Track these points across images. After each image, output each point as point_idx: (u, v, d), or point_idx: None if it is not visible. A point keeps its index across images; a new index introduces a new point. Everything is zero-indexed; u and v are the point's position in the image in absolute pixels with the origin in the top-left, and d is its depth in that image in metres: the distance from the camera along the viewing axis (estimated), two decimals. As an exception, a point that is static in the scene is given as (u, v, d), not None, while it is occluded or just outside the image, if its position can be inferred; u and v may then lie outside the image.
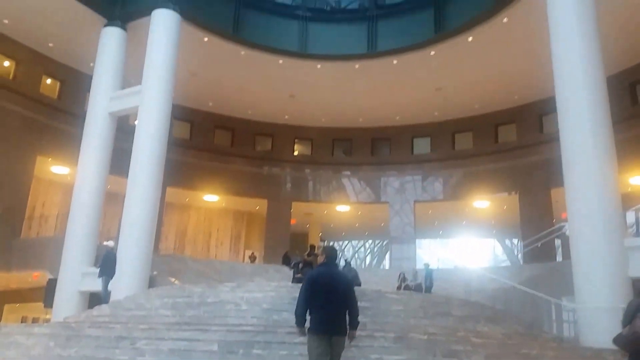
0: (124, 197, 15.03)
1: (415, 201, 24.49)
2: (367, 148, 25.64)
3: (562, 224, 11.67)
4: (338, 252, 5.84)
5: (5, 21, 17.89)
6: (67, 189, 18.49)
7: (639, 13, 15.20)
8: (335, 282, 4.81)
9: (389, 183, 25.18)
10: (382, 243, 37.97)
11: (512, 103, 22.00)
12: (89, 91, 17.41)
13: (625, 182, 17.40)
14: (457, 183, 23.94)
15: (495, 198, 23.44)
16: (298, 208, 25.64)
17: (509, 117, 22.66)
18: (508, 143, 22.70)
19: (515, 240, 32.93)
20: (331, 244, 34.61)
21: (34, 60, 19.46)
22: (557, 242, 19.59)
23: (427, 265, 17.06)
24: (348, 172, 25.78)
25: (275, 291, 9.84)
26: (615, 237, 10.37)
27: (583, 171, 10.85)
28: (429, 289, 15.89)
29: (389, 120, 24.50)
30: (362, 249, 40.55)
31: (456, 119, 23.70)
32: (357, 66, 20.18)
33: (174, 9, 16.52)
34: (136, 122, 16.13)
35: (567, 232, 11.65)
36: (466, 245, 35.13)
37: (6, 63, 19.09)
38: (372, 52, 19.66)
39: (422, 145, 24.96)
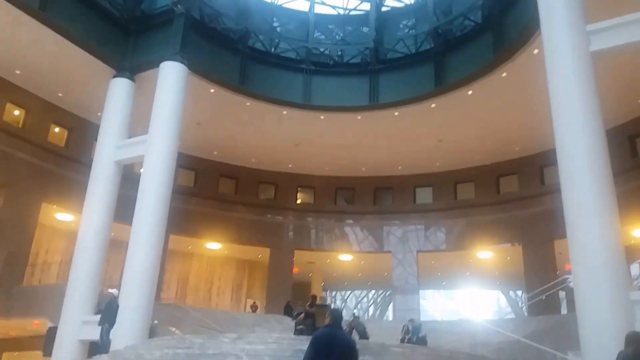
0: (127, 244, 15.06)
1: (418, 251, 24.38)
2: (370, 197, 25.77)
3: (566, 276, 11.59)
4: (343, 314, 6.16)
5: (17, 72, 18.45)
6: (71, 236, 18.53)
7: (635, 69, 15.59)
8: (336, 342, 5.07)
9: (391, 232, 25.15)
10: (386, 293, 37.50)
11: (513, 154, 22.25)
12: (96, 140, 17.73)
13: (628, 235, 17.38)
14: (460, 233, 23.90)
15: (498, 249, 23.34)
16: (300, 257, 25.53)
17: (510, 168, 22.86)
18: (510, 194, 22.81)
19: (519, 292, 32.51)
20: (334, 295, 34.30)
21: (43, 109, 19.91)
22: (562, 293, 19.38)
23: (412, 321, 16.44)
24: (351, 221, 25.79)
25: (277, 343, 9.72)
26: (620, 290, 10.26)
27: (585, 223, 10.86)
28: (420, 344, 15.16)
29: (391, 170, 24.74)
30: (365, 299, 40.00)
31: (458, 170, 23.92)
32: (359, 117, 20.59)
33: (182, 62, 17.04)
34: (142, 171, 16.35)
35: (572, 285, 11.55)
36: (470, 296, 34.66)
37: (16, 112, 19.53)
38: (374, 104, 20.09)
39: (424, 195, 25.09)
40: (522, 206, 21.85)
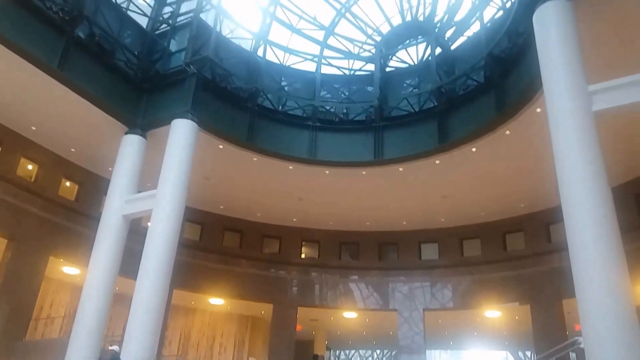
0: (131, 298, 14.94)
1: (424, 309, 24.00)
2: (375, 252, 25.65)
3: (577, 337, 11.35)
4: None
5: (33, 128, 18.93)
6: (76, 289, 18.46)
7: (638, 127, 15.87)
8: None
9: (397, 289, 24.85)
10: (391, 353, 36.53)
11: (518, 211, 22.31)
12: (106, 194, 17.93)
13: (638, 294, 17.12)
14: (466, 291, 23.60)
15: (506, 308, 22.95)
16: (304, 313, 25.15)
17: (516, 225, 22.85)
18: (516, 251, 22.68)
19: (528, 353, 31.65)
20: (338, 354, 33.50)
21: (55, 164, 20.29)
22: (572, 355, 18.87)
23: None
24: (355, 277, 25.56)
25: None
26: (633, 351, 10.05)
27: (594, 283, 10.75)
28: None
29: (396, 225, 24.75)
30: (371, 358, 38.93)
31: (463, 226, 23.92)
32: (364, 172, 20.81)
33: (193, 119, 17.49)
34: (149, 224, 16.44)
35: (582, 346, 11.29)
36: (479, 356, 33.73)
37: (29, 166, 19.90)
38: (378, 159, 20.36)
39: (430, 251, 24.97)
40: (529, 264, 21.68)
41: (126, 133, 18.18)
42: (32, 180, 19.78)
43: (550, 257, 20.58)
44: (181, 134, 17.20)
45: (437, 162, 19.42)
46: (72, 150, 20.24)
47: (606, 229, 11.11)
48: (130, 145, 18.01)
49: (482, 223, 23.46)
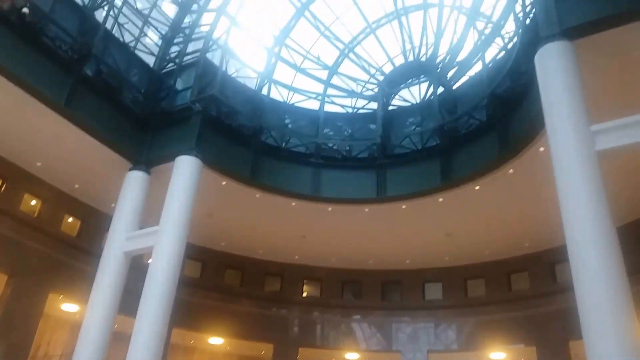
0: (130, 337, 14.66)
1: (429, 351, 23.44)
2: (378, 291, 25.27)
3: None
4: None
5: (38, 164, 19.04)
6: (74, 327, 18.14)
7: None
8: None
9: (400, 329, 24.36)
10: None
11: (523, 250, 22.06)
12: (107, 230, 17.86)
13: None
14: (471, 332, 23.10)
15: (511, 349, 22.41)
16: (305, 355, 24.59)
17: (521, 264, 22.55)
18: (521, 291, 22.31)
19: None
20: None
21: (58, 200, 20.29)
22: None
23: None
24: (358, 316, 25.11)
25: None
26: (643, 396, 9.76)
27: (601, 325, 10.53)
28: None
29: (399, 264, 24.46)
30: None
31: (467, 265, 23.62)
32: (366, 209, 20.73)
33: (197, 156, 17.57)
34: (149, 261, 16.30)
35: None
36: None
37: (33, 202, 19.91)
38: (381, 196, 20.31)
39: (433, 291, 24.59)
40: (535, 305, 21.27)
41: (130, 169, 18.25)
42: (35, 215, 19.75)
43: (556, 298, 20.20)
44: (185, 170, 17.26)
45: (441, 200, 19.35)
46: (76, 186, 20.28)
47: (612, 270, 10.95)
48: (134, 182, 18.05)
49: (486, 262, 23.17)
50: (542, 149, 14.87)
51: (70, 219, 21.00)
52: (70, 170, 19.33)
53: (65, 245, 20.02)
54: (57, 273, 19.28)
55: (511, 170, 16.93)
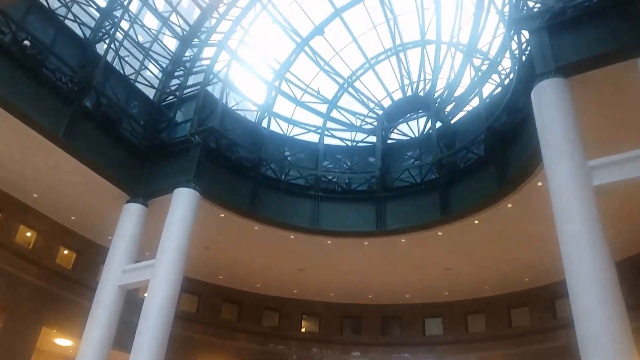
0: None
1: (429, 387, 22.96)
2: (377, 327, 24.88)
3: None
4: None
5: (35, 195, 18.99)
6: (66, 363, 17.79)
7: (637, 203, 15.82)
8: None
9: (400, 366, 23.87)
10: None
11: (523, 285, 21.81)
12: (103, 263, 17.68)
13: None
14: (472, 369, 22.64)
15: (513, 386, 21.92)
16: (303, 392, 24.06)
17: (521, 299, 22.26)
18: (522, 327, 21.95)
19: None
20: None
21: (54, 232, 20.20)
22: None
23: None
24: (357, 353, 24.62)
25: None
26: None
27: (602, 362, 10.33)
28: None
29: (399, 298, 24.16)
30: None
31: (468, 300, 23.33)
32: (366, 243, 20.60)
33: (195, 188, 17.53)
34: (145, 295, 16.08)
35: None
36: None
37: (28, 234, 19.79)
38: (381, 230, 20.19)
39: (434, 326, 24.19)
40: (535, 341, 20.89)
41: (128, 202, 18.19)
42: (30, 247, 19.61)
43: (556, 334, 19.86)
44: (183, 202, 17.20)
45: (440, 233, 19.25)
46: (73, 218, 20.19)
47: (612, 306, 10.80)
48: (131, 214, 17.96)
49: (486, 297, 22.89)
50: (540, 183, 14.86)
51: (66, 251, 20.86)
52: (67, 201, 19.27)
53: (60, 278, 19.81)
54: (51, 306, 19.02)
55: (510, 205, 16.89)
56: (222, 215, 19.20)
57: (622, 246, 16.83)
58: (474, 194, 17.86)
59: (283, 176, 21.73)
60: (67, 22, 17.85)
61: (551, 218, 12.59)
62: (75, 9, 18.62)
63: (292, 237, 20.51)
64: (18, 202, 19.06)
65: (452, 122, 21.12)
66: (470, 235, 19.05)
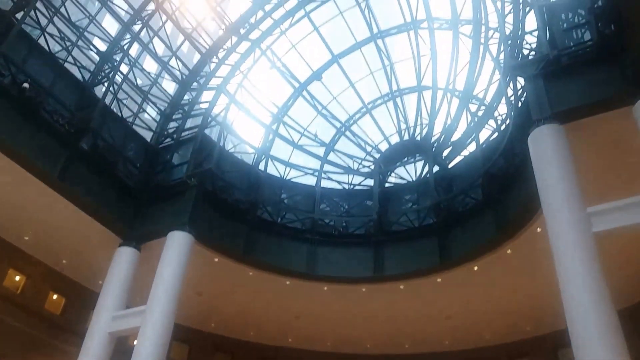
0: None
1: None
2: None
3: None
4: None
5: (26, 238, 18.68)
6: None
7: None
8: None
9: (400, 420, 22.90)
10: None
11: (525, 334, 21.20)
12: (93, 309, 17.19)
13: None
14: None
15: None
16: None
17: (523, 349, 21.58)
18: (526, 378, 21.27)
19: None
20: None
21: (44, 276, 19.76)
22: None
23: None
24: (355, 405, 23.70)
25: None
26: None
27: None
28: None
29: (398, 348, 23.38)
30: None
31: (468, 350, 22.57)
32: (364, 289, 20.17)
33: (189, 232, 17.25)
34: (135, 343, 15.55)
35: None
36: None
37: (17, 277, 19.34)
38: (379, 275, 19.79)
39: (434, 377, 23.38)
40: (540, 394, 20.22)
41: (120, 245, 17.84)
42: (19, 292, 19.12)
43: (560, 385, 19.23)
44: (176, 247, 16.88)
45: (439, 280, 18.88)
46: (64, 261, 19.81)
47: (616, 356, 10.44)
48: (123, 258, 17.58)
49: (487, 347, 22.20)
50: (539, 229, 14.67)
51: (55, 296, 20.32)
52: (59, 244, 18.94)
53: (48, 324, 19.24)
54: (38, 354, 18.37)
55: (509, 251, 16.64)
56: (216, 260, 18.86)
57: (626, 293, 16.45)
58: (473, 239, 17.63)
59: (279, 219, 21.49)
60: (66, 64, 18.01)
61: (552, 265, 12.36)
62: (76, 52, 18.84)
63: (287, 282, 20.10)
64: (8, 244, 18.72)
65: (450, 166, 21.09)
66: (470, 282, 18.69)
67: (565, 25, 14.50)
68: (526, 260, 16.67)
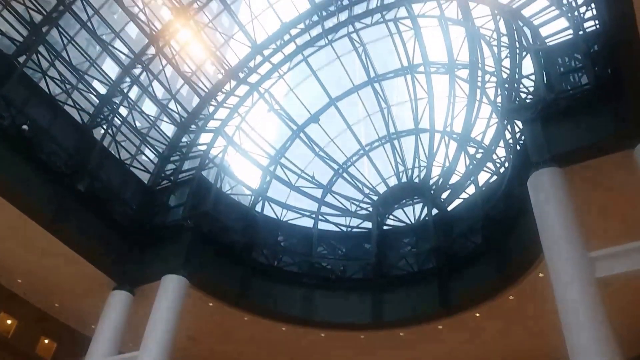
0: None
1: None
2: None
3: None
4: None
5: (19, 280, 18.28)
6: None
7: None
8: None
9: None
10: None
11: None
12: (84, 354, 16.63)
13: None
14: None
15: None
16: None
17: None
18: None
19: None
20: None
21: (36, 319, 19.28)
22: None
23: None
24: None
25: None
26: None
27: None
28: None
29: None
30: None
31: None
32: (362, 336, 19.62)
33: (184, 275, 16.91)
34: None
35: None
36: None
37: (8, 321, 18.85)
38: (377, 321, 19.30)
39: None
40: None
41: (114, 289, 17.43)
42: (9, 336, 18.60)
43: None
44: (171, 291, 16.52)
45: (440, 327, 18.38)
46: (56, 305, 19.35)
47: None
48: (117, 302, 17.16)
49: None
50: (541, 274, 14.37)
51: (47, 340, 19.78)
52: (52, 287, 18.52)
53: (38, 370, 18.63)
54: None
55: (511, 297, 16.27)
56: (211, 304, 18.41)
57: (634, 341, 16.00)
58: (474, 285, 17.28)
59: (276, 262, 21.18)
60: (66, 107, 18.09)
61: (555, 311, 12.06)
62: (75, 94, 18.96)
63: (283, 328, 19.59)
64: (1, 287, 18.30)
65: (449, 209, 20.95)
66: (472, 329, 18.20)
67: (562, 69, 14.67)
68: (530, 305, 16.29)
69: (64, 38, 18.60)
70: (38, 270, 17.77)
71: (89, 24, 19.19)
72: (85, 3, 18.92)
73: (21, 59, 16.87)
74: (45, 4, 18.79)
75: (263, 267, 20.47)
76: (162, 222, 19.41)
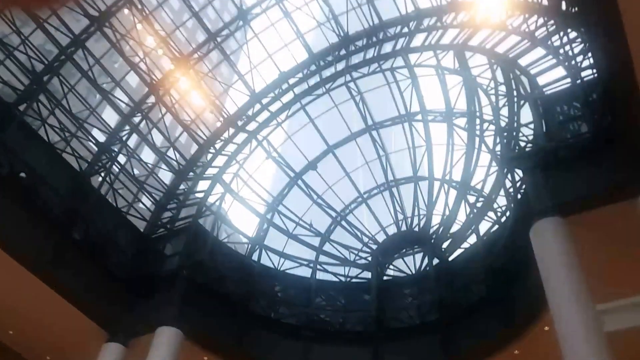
0: None
1: None
2: None
3: None
4: None
5: (11, 332, 17.65)
6: None
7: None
8: None
9: None
10: None
11: None
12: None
13: None
14: None
15: None
16: None
17: None
18: None
19: None
20: None
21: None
22: None
23: None
24: None
25: None
26: None
27: None
28: None
29: None
30: None
31: None
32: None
33: (179, 327, 16.37)
34: None
35: None
36: None
37: (-4, 375, 18.12)
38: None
39: None
40: None
41: (107, 341, 16.83)
42: (-5, 392, 17.80)
43: None
44: (165, 345, 15.92)
45: (445, 383, 17.69)
46: (47, 358, 18.60)
47: None
48: (109, 355, 16.54)
49: None
50: (547, 328, 13.91)
51: (33, 398, 18.89)
52: (44, 339, 17.80)
53: None
54: None
55: (516, 351, 15.70)
56: (206, 359, 17.74)
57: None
58: (478, 337, 16.70)
59: (273, 314, 20.60)
60: (64, 154, 18.01)
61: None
62: (74, 142, 18.91)
63: (281, 384, 18.85)
64: (-9, 340, 17.68)
65: (450, 259, 20.58)
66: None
67: (561, 117, 14.68)
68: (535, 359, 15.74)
69: (64, 86, 18.73)
70: (30, 321, 17.16)
71: (90, 73, 19.37)
72: (86, 52, 19.16)
73: (21, 107, 16.89)
74: (47, 53, 19.02)
75: (260, 319, 19.86)
76: (157, 271, 18.98)
